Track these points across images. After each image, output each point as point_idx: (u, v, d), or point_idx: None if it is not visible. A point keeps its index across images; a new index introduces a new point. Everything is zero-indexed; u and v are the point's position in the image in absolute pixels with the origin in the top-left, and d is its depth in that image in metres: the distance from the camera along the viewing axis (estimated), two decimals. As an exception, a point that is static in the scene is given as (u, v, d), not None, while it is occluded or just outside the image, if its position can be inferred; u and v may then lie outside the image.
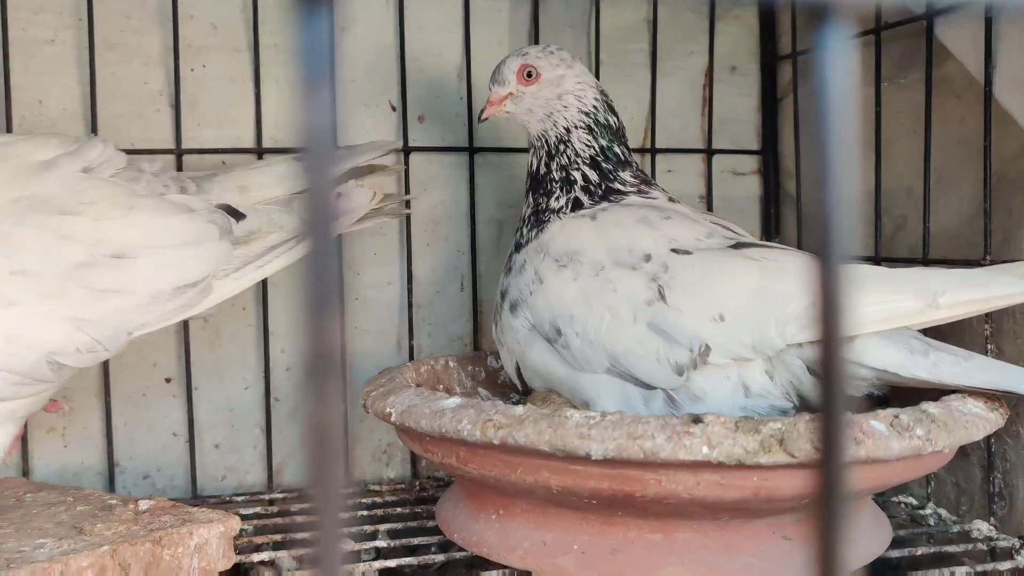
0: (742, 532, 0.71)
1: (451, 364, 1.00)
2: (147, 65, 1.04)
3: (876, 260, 1.01)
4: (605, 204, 0.90)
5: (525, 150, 0.97)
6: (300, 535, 0.87)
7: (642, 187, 0.93)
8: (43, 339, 0.73)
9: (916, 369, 0.74)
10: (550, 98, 0.91)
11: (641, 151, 1.18)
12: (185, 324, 1.02)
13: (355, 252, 1.09)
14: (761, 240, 1.19)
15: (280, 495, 1.03)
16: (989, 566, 0.79)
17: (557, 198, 0.91)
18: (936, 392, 0.74)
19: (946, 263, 0.91)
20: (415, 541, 0.85)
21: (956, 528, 0.89)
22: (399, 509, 0.96)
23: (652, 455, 0.63)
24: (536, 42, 1.13)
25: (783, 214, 1.22)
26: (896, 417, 0.66)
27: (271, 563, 0.82)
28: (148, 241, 0.77)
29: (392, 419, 0.75)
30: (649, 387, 0.80)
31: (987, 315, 0.88)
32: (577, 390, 0.84)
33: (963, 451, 0.92)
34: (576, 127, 0.91)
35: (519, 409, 0.68)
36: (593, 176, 0.91)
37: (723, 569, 0.70)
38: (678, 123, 1.21)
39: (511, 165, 1.13)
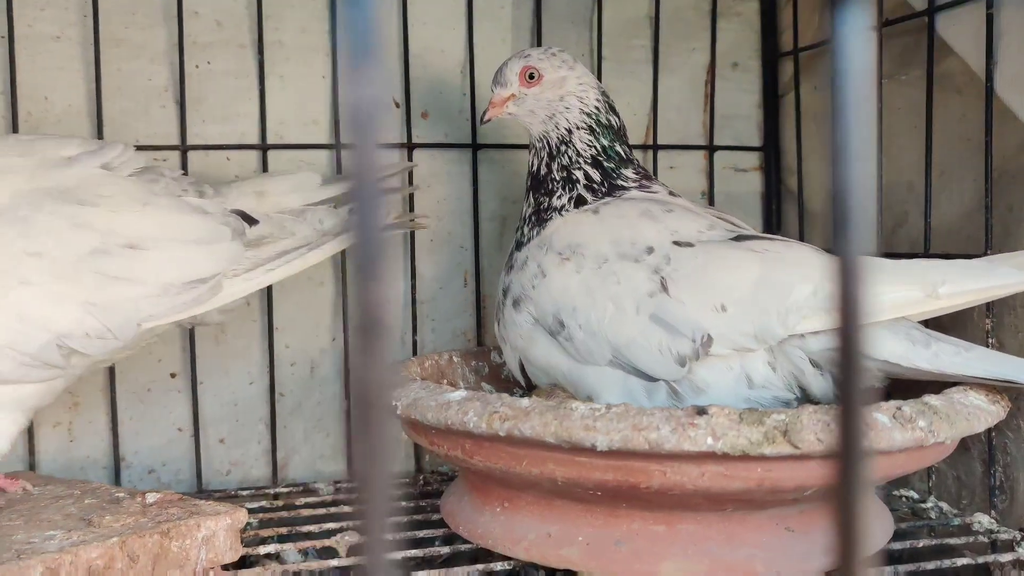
0: (745, 524, 0.71)
1: (455, 359, 1.00)
2: (152, 61, 1.04)
3: (877, 255, 1.01)
4: (608, 199, 0.91)
5: (527, 147, 0.98)
6: (305, 528, 0.87)
7: (643, 182, 0.93)
8: (54, 320, 0.74)
9: (918, 360, 0.75)
10: (552, 99, 0.92)
11: (643, 147, 1.19)
12: (190, 319, 1.03)
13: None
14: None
15: (285, 489, 1.04)
16: (990, 558, 0.80)
17: (559, 196, 0.91)
18: (938, 385, 0.75)
19: (947, 257, 0.92)
20: (420, 534, 0.85)
21: (957, 521, 0.90)
22: (403, 503, 0.97)
23: (657, 446, 0.63)
24: (539, 39, 1.14)
25: (784, 210, 1.23)
26: (899, 409, 0.67)
27: (276, 556, 0.82)
28: (161, 235, 0.79)
29: (398, 412, 0.75)
30: (652, 379, 0.81)
31: (988, 309, 0.88)
32: (580, 383, 0.85)
33: (964, 445, 0.93)
34: (578, 128, 0.92)
35: (525, 401, 0.69)
36: (595, 175, 0.91)
37: (726, 560, 0.70)
38: (680, 119, 1.21)
39: (514, 161, 1.13)
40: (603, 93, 0.94)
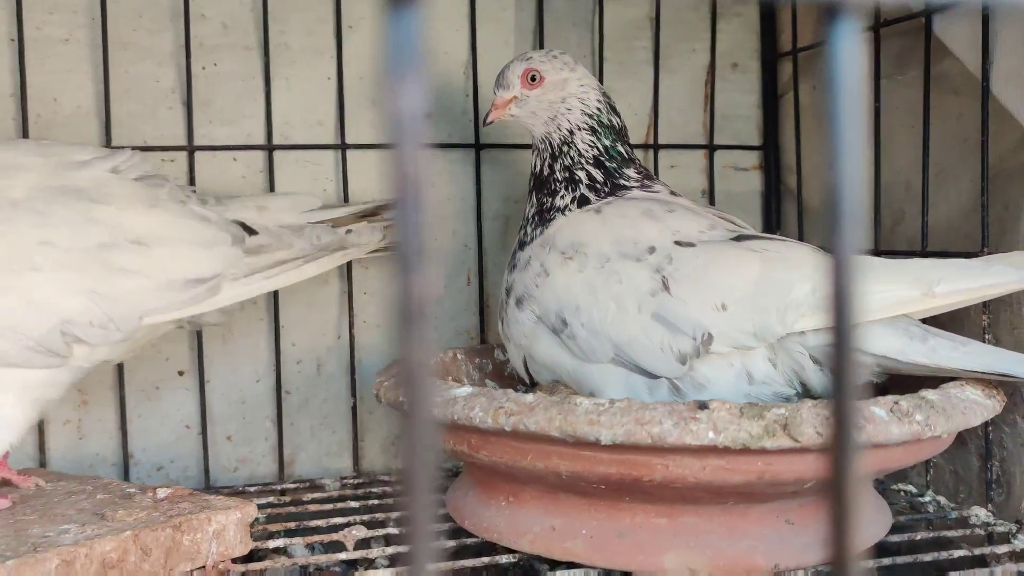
0: (746, 516, 0.73)
1: (459, 356, 1.02)
2: (159, 64, 1.06)
3: (875, 253, 1.03)
4: (610, 199, 0.92)
5: (530, 146, 0.99)
6: (313, 523, 0.89)
7: (645, 182, 0.95)
8: (60, 306, 0.78)
9: (915, 354, 0.76)
10: (554, 101, 0.93)
11: (644, 147, 1.20)
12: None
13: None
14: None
15: (292, 485, 1.05)
16: (986, 550, 0.81)
17: (562, 196, 0.93)
18: (936, 380, 0.77)
19: (945, 255, 0.93)
20: (426, 528, 0.86)
21: (954, 514, 0.91)
22: (407, 497, 0.98)
23: (660, 440, 0.65)
24: (541, 40, 1.15)
25: (784, 208, 1.24)
26: (896, 403, 0.68)
27: (284, 550, 0.84)
28: (165, 234, 0.82)
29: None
30: (654, 376, 0.82)
31: (985, 306, 0.90)
32: (584, 380, 0.86)
33: (961, 440, 0.94)
34: (579, 128, 0.93)
35: (530, 397, 0.70)
36: (598, 175, 0.93)
37: (727, 552, 0.72)
38: (680, 119, 1.23)
39: (517, 161, 1.15)
40: (604, 94, 0.95)
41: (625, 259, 0.85)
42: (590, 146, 0.93)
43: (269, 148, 1.08)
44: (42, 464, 1.01)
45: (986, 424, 0.89)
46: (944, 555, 0.79)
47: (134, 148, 0.97)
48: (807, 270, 0.80)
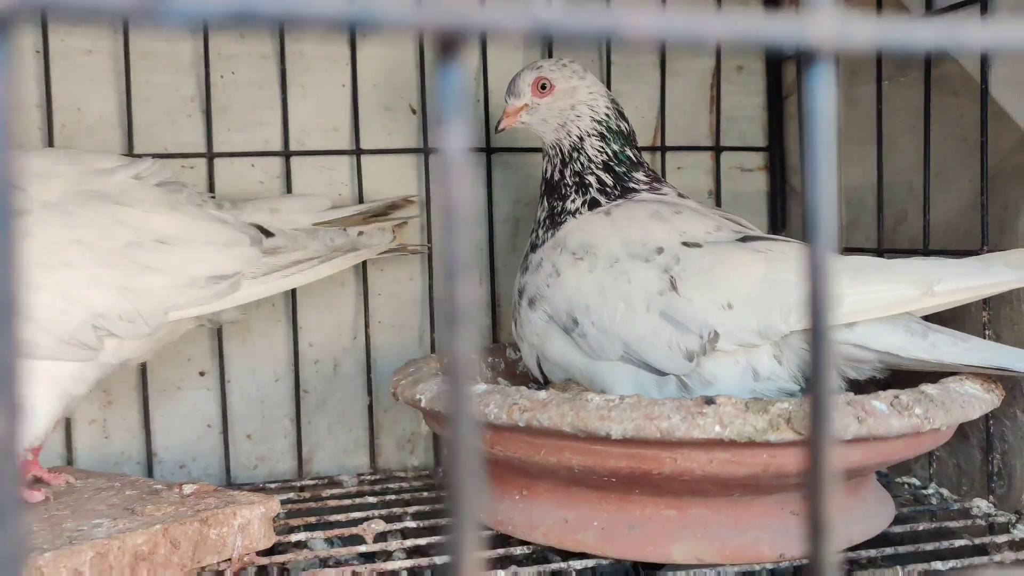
0: (752, 508, 0.75)
1: (472, 355, 1.04)
2: (179, 73, 1.09)
3: (879, 251, 1.05)
4: (620, 201, 0.95)
5: (539, 150, 1.02)
6: (332, 517, 0.92)
7: (653, 184, 0.97)
8: (91, 300, 0.82)
9: (916, 350, 0.79)
10: (564, 109, 0.96)
11: (651, 149, 1.23)
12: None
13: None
14: (768, 233, 1.23)
15: (311, 482, 1.08)
16: (986, 539, 0.84)
17: (572, 200, 0.95)
18: (937, 376, 0.79)
19: (946, 254, 0.95)
20: (441, 522, 0.89)
21: (956, 506, 0.93)
22: (424, 493, 1.01)
23: (668, 434, 0.68)
24: (549, 45, 1.18)
25: (789, 208, 1.27)
26: (896, 397, 0.70)
27: (305, 544, 0.87)
28: (187, 235, 0.88)
29: (422, 404, 0.79)
30: (662, 373, 0.85)
31: (985, 303, 0.92)
32: (595, 378, 0.89)
33: (964, 433, 0.97)
34: (589, 135, 0.96)
35: (542, 394, 0.73)
36: (608, 179, 0.95)
37: (733, 542, 0.74)
38: (687, 122, 1.25)
39: (526, 165, 1.17)
40: (612, 100, 0.98)
41: (634, 259, 0.88)
42: (600, 151, 0.96)
43: (286, 154, 1.11)
44: (69, 462, 1.04)
45: (987, 418, 0.91)
46: (945, 544, 0.82)
47: (155, 155, 1.01)
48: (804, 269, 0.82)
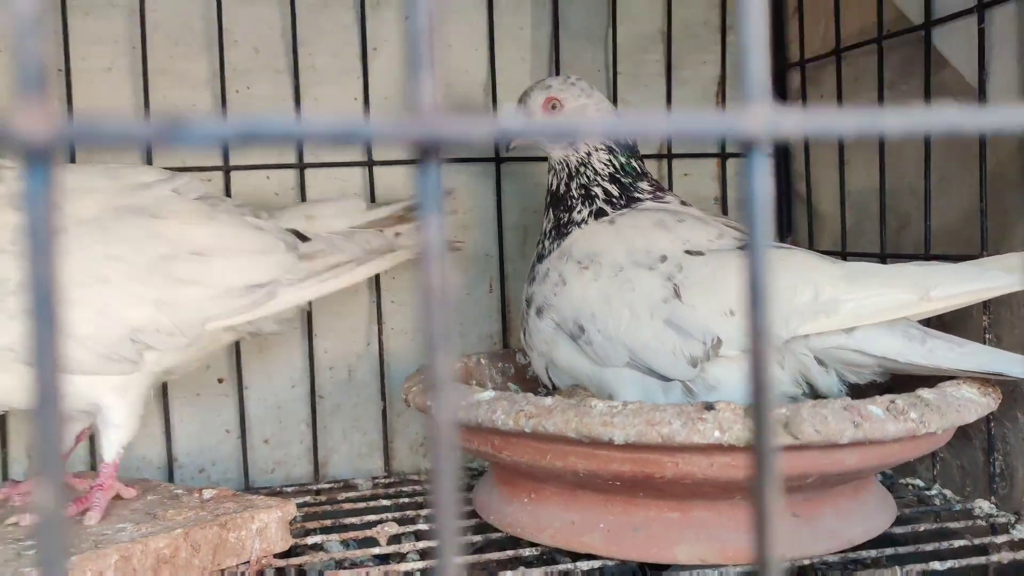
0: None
1: (482, 361, 1.07)
2: (195, 88, 1.12)
3: (882, 256, 1.07)
4: (624, 210, 0.97)
5: (546, 159, 1.04)
6: (347, 520, 0.94)
7: (657, 193, 0.99)
8: (129, 315, 0.84)
9: (913, 355, 0.81)
10: None
11: (659, 157, 1.25)
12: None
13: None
14: (774, 239, 1.25)
15: (326, 485, 1.11)
16: (986, 539, 0.86)
17: (579, 211, 0.98)
18: (937, 380, 0.81)
19: (947, 259, 0.97)
20: (454, 524, 0.92)
21: (959, 507, 0.95)
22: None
23: (669, 439, 0.70)
24: (557, 57, 1.20)
25: (794, 212, 1.28)
26: (892, 402, 0.72)
27: (321, 546, 0.89)
28: (223, 245, 0.89)
29: (432, 411, 0.82)
30: (667, 379, 0.87)
31: (985, 306, 0.94)
32: (602, 384, 0.91)
33: (967, 436, 0.98)
34: (597, 149, 0.98)
35: (548, 400, 0.75)
36: (614, 190, 0.97)
37: (735, 544, 0.77)
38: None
39: (535, 174, 1.20)
40: (618, 115, 1.00)
41: (638, 268, 0.90)
42: (606, 164, 0.98)
43: (300, 166, 1.14)
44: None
45: (989, 420, 0.93)
46: (945, 545, 0.83)
47: (174, 168, 1.04)
48: (809, 277, 0.84)
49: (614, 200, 0.97)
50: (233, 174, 1.12)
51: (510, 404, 0.76)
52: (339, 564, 0.85)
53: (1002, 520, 0.90)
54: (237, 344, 1.12)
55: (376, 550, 0.88)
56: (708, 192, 1.28)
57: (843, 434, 0.69)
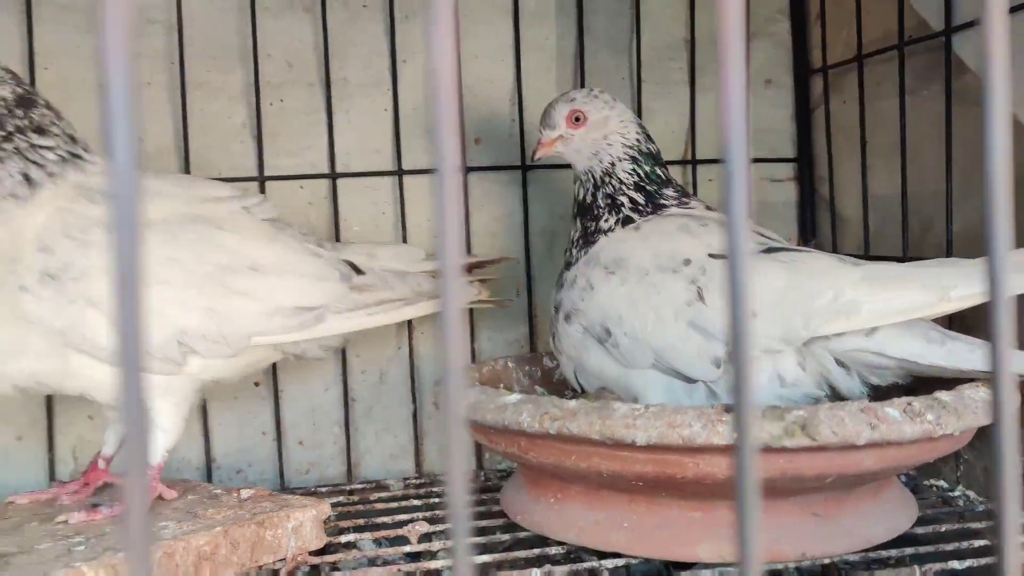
0: (774, 510, 0.79)
1: (510, 364, 1.09)
2: (231, 101, 1.16)
3: (904, 259, 1.08)
4: (650, 217, 0.99)
5: (571, 166, 1.06)
6: (379, 520, 0.97)
7: (682, 199, 1.01)
8: (179, 318, 0.87)
9: (933, 357, 0.82)
10: (596, 139, 1.00)
11: (683, 163, 1.27)
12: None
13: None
14: (798, 243, 1.27)
15: (359, 486, 1.14)
16: (1007, 540, 0.86)
17: (605, 220, 1.00)
18: (957, 382, 0.82)
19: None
20: (482, 523, 0.95)
21: (982, 508, 0.96)
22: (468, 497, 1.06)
23: (689, 441, 0.72)
24: (581, 67, 1.22)
25: (818, 217, 1.30)
26: (909, 404, 0.74)
27: (354, 544, 0.92)
28: (279, 265, 0.92)
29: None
30: (691, 380, 0.89)
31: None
32: (628, 386, 0.93)
33: (991, 438, 0.99)
34: (621, 159, 1.00)
35: (572, 403, 0.78)
36: (640, 198, 1.00)
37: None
38: (717, 135, 1.28)
39: (560, 180, 1.22)
40: (640, 126, 1.02)
41: (663, 271, 0.92)
42: (631, 174, 1.00)
43: (332, 176, 1.17)
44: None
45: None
46: (966, 544, 0.84)
47: (212, 178, 1.08)
48: (830, 279, 0.85)
49: (640, 208, 0.99)
50: (268, 184, 1.16)
51: (535, 407, 0.78)
52: (371, 562, 0.88)
53: (1024, 521, 0.91)
54: (272, 349, 1.15)
55: (407, 548, 0.90)
56: (732, 197, 1.29)
57: (860, 436, 0.71)
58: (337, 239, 1.17)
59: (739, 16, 0.25)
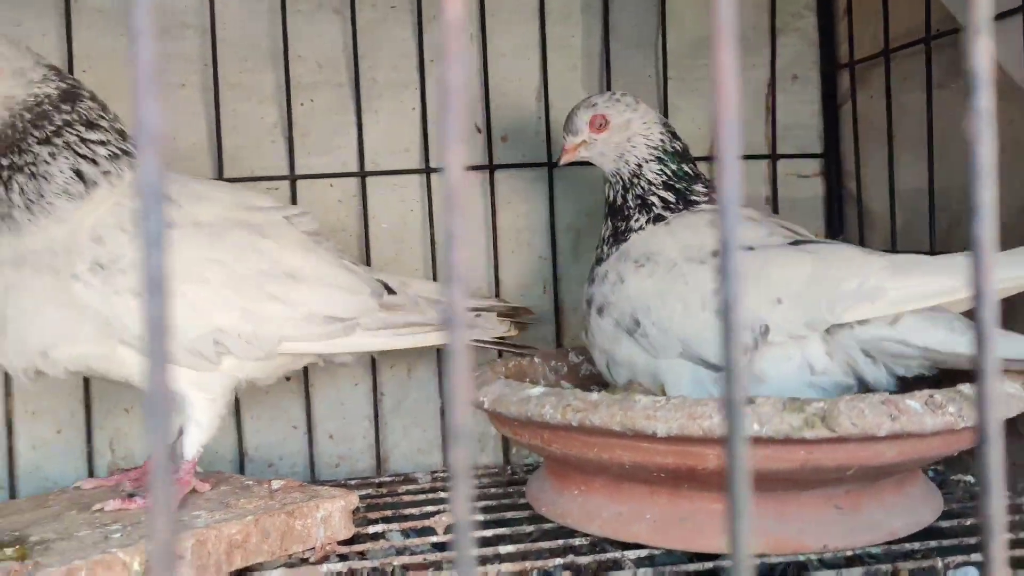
0: (796, 502, 0.80)
1: (536, 360, 1.10)
2: (262, 102, 1.18)
3: (932, 254, 1.07)
4: (683, 212, 1.00)
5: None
6: (407, 511, 0.99)
7: (712, 195, 1.02)
8: (216, 316, 0.89)
9: (956, 346, 0.82)
10: (620, 142, 1.01)
11: (710, 159, 1.27)
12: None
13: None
14: (826, 237, 1.27)
15: (388, 479, 1.16)
16: (1026, 533, 0.86)
17: (636, 219, 1.01)
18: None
19: (996, 255, 0.97)
20: (508, 515, 0.96)
21: (1009, 502, 0.96)
22: (493, 489, 1.07)
23: (710, 432, 0.73)
24: (607, 64, 1.23)
25: (845, 212, 1.30)
26: (931, 396, 0.74)
27: (382, 535, 0.94)
28: (314, 274, 0.95)
29: (485, 406, 0.86)
30: (718, 368, 0.90)
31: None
32: (656, 375, 0.94)
33: (1017, 432, 0.98)
34: (647, 161, 1.01)
35: (594, 395, 0.79)
36: (670, 197, 1.01)
37: (778, 535, 0.79)
38: (744, 131, 1.29)
39: (587, 178, 1.23)
40: (665, 124, 1.03)
41: (690, 262, 0.93)
42: (659, 174, 1.01)
43: (362, 175, 1.19)
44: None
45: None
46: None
47: (243, 179, 1.11)
48: (855, 268, 0.86)
49: (672, 206, 1.00)
50: (299, 183, 1.18)
51: (558, 399, 0.79)
52: (399, 551, 0.90)
53: (1051, 515, 0.91)
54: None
55: (433, 539, 0.92)
56: (760, 193, 1.29)
57: (880, 427, 0.71)
58: (367, 236, 1.19)
59: (731, 10, 0.26)
